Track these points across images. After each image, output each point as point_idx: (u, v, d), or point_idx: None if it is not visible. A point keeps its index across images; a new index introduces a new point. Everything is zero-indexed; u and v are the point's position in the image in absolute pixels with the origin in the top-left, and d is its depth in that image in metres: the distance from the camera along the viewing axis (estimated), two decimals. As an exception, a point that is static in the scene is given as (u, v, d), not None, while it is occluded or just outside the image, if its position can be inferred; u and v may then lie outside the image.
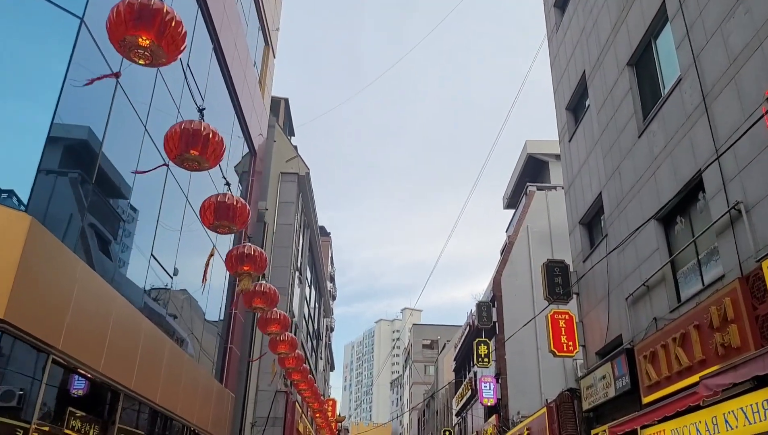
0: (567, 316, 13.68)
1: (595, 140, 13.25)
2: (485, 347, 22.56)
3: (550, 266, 14.04)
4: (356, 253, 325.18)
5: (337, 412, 29.38)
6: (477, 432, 24.58)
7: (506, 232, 27.60)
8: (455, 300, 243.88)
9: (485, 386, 21.98)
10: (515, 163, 28.81)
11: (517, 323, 23.13)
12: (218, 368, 12.74)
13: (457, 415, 31.72)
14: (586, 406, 12.68)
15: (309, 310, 22.10)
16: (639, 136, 11.08)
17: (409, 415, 68.27)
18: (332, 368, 42.91)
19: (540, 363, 22.28)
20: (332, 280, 49.60)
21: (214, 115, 11.68)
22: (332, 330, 51.84)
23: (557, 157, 27.35)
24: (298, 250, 17.62)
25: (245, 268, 7.16)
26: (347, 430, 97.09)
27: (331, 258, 49.90)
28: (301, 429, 16.64)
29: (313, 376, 24.53)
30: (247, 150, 14.98)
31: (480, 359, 22.29)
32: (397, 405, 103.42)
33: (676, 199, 9.75)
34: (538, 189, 25.26)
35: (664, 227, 10.38)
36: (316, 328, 25.34)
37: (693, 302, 9.00)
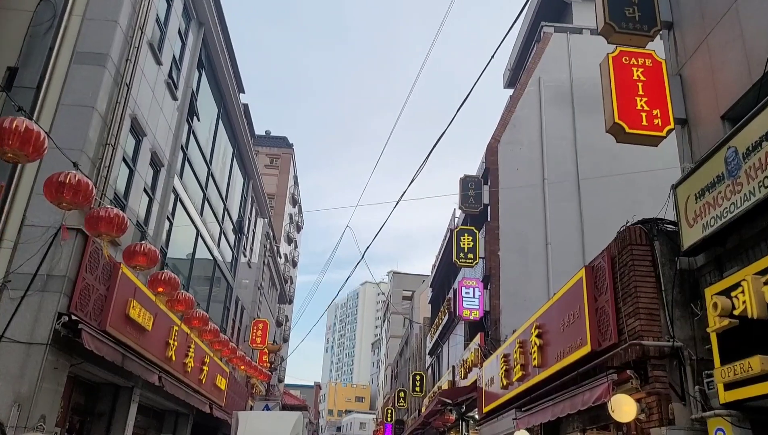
0: (650, 61, 6.33)
1: None
2: (470, 238, 15.26)
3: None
4: (343, 219, 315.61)
5: (270, 340, 22.26)
6: (453, 366, 17.56)
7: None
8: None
9: (466, 293, 14.70)
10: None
11: (518, 208, 15.87)
12: None
13: (430, 354, 24.68)
14: (691, 239, 5.47)
15: (210, 169, 14.67)
16: None
17: (385, 371, 61.63)
18: (288, 301, 35.81)
19: (550, 264, 15.08)
20: (295, 203, 42.04)
21: None
22: (295, 265, 44.64)
23: (585, -5, 19.83)
24: (152, 14, 10.08)
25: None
26: (320, 387, 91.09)
27: (295, 177, 42.27)
28: (139, 318, 9.38)
29: (227, 279, 17.43)
30: None
31: (462, 255, 15.05)
32: (377, 366, 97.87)
33: None
34: (556, 30, 17.76)
35: None
36: (235, 215, 18.01)
37: None
